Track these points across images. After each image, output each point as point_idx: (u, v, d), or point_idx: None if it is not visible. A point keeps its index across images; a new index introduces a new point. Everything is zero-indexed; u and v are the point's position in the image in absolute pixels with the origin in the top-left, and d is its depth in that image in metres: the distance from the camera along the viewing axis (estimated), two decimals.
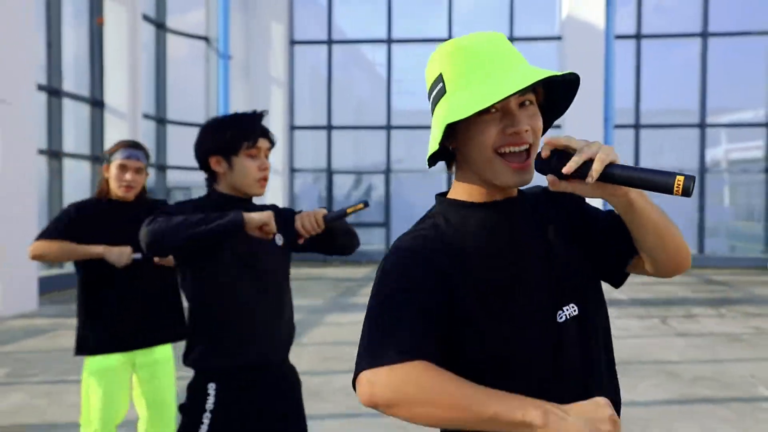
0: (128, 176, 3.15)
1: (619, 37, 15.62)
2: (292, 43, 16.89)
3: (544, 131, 1.39)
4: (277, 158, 16.19)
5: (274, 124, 16.17)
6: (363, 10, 17.28)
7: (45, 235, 3.12)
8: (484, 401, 1.09)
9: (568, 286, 1.35)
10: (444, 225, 1.36)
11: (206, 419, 2.30)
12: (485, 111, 1.28)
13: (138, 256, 3.08)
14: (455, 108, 1.27)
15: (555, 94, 1.40)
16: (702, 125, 15.90)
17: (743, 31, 15.88)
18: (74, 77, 12.31)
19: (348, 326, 7.96)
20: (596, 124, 15.16)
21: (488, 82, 1.26)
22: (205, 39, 16.31)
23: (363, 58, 18.40)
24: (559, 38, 16.13)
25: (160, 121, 15.04)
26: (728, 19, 15.81)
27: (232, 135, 2.34)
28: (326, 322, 8.28)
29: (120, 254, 3.04)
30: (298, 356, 4.13)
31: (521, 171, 1.31)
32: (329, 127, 17.02)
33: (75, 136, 12.35)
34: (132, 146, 3.21)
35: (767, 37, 15.65)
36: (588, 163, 1.21)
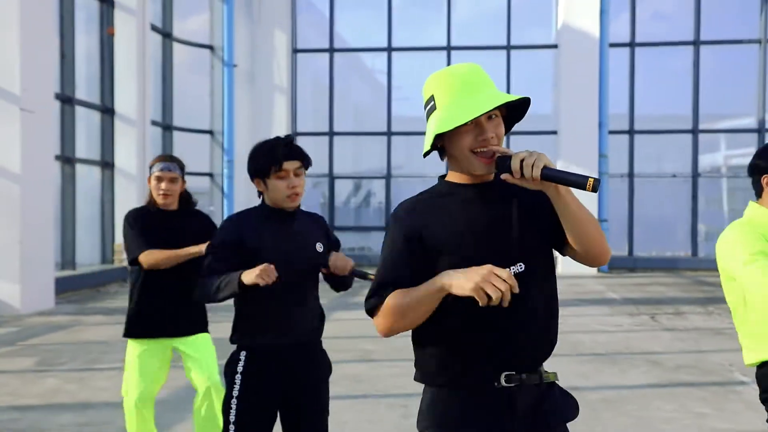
0: (164, 185, 3.61)
1: (613, 45, 16.04)
2: (295, 51, 17.34)
3: (506, 133, 1.90)
4: None
5: (278, 130, 16.57)
6: (364, 20, 17.76)
7: (142, 246, 3.56)
8: (417, 294, 1.76)
9: (518, 249, 1.85)
10: (438, 194, 1.93)
11: (238, 380, 2.77)
12: (462, 123, 1.77)
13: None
14: (442, 121, 1.79)
15: (513, 108, 1.91)
16: (695, 131, 16.33)
17: (734, 39, 16.35)
18: (86, 85, 12.74)
19: (351, 322, 8.40)
20: (591, 129, 15.59)
21: (465, 104, 1.78)
22: (210, 48, 16.74)
23: (363, 65, 18.86)
24: (555, 46, 16.56)
25: (167, 127, 15.46)
26: (719, 28, 16.28)
27: (263, 161, 2.80)
28: (332, 319, 8.65)
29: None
30: None
31: (489, 165, 1.81)
32: (331, 134, 17.44)
33: (86, 142, 12.77)
34: (166, 159, 3.70)
35: (757, 45, 16.09)
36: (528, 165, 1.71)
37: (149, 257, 3.52)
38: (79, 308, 9.84)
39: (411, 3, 17.50)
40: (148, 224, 3.63)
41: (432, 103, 1.86)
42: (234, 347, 2.87)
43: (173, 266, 3.52)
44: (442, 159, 1.94)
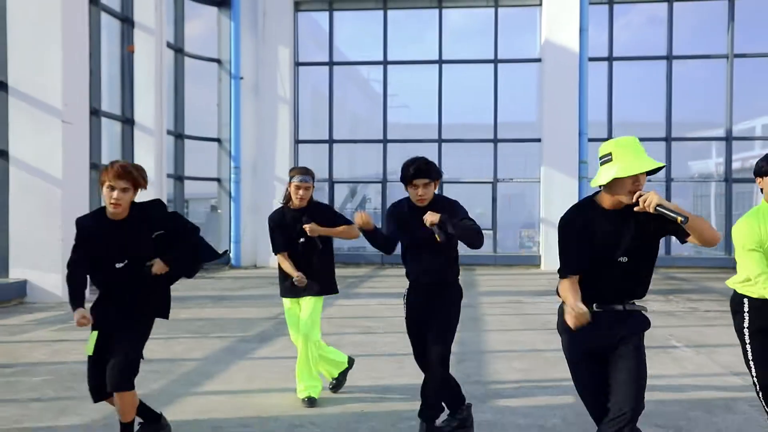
0: (301, 192, 4.96)
1: (592, 59, 17.33)
2: (297, 64, 18.56)
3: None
4: (282, 170, 17.76)
5: (281, 138, 17.82)
6: (361, 35, 19.03)
7: (277, 249, 5.19)
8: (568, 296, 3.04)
9: (627, 249, 3.12)
10: (589, 206, 3.18)
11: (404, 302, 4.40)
12: (631, 177, 2.99)
13: (303, 241, 5.08)
14: (620, 170, 2.98)
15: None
16: (668, 139, 17.64)
17: (703, 55, 17.68)
18: (108, 98, 13.95)
19: (351, 307, 9.75)
20: (572, 137, 16.83)
21: (632, 163, 2.97)
22: (218, 61, 17.97)
23: (360, 76, 20.09)
24: (539, 60, 17.81)
25: (179, 136, 16.69)
26: (690, 44, 17.61)
27: (401, 177, 4.29)
28: (335, 305, 9.90)
29: (297, 276, 5.02)
30: (321, 321, 5.78)
31: (631, 199, 3.01)
32: (330, 141, 18.67)
33: (109, 149, 13.97)
34: (303, 172, 5.06)
35: (725, 60, 17.41)
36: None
37: (281, 259, 5.14)
38: None
39: (405, 19, 18.72)
40: (283, 219, 5.11)
41: (609, 156, 3.06)
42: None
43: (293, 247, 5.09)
44: (600, 188, 3.17)
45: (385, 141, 18.50)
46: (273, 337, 7.62)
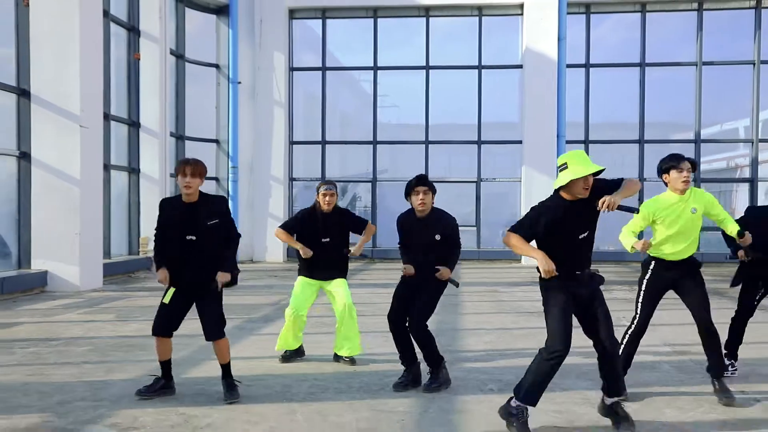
0: (327, 199, 6.16)
1: (570, 65, 18.44)
2: (291, 69, 19.58)
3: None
4: (278, 169, 18.84)
5: (276, 139, 18.84)
6: (352, 41, 20.09)
7: (284, 226, 6.21)
8: (531, 251, 4.25)
9: (586, 227, 4.32)
10: (554, 203, 4.31)
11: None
12: (578, 180, 4.19)
13: (327, 239, 6.22)
14: (574, 174, 4.16)
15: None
16: (641, 141, 18.78)
17: (674, 62, 18.83)
18: (116, 102, 14.92)
19: None
20: (551, 139, 17.93)
21: (581, 169, 4.16)
22: (217, 66, 18.96)
23: (352, 79, 21.12)
24: (520, 66, 18.89)
25: (179, 137, 17.69)
26: (662, 52, 18.75)
27: (405, 192, 5.49)
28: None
29: (303, 250, 6.13)
30: (313, 309, 6.82)
31: (585, 195, 4.23)
32: (323, 142, 19.70)
33: (116, 151, 14.95)
34: (328, 183, 6.26)
35: (694, 67, 18.56)
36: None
37: (279, 232, 6.22)
38: (121, 287, 12.09)
39: (394, 27, 19.76)
40: (311, 219, 6.24)
41: (565, 165, 4.24)
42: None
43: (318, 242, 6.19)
44: (560, 190, 4.36)
45: (375, 142, 19.53)
46: (275, 319, 8.67)
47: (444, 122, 19.68)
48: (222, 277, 4.95)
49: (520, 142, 18.55)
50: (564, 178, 4.19)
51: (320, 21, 19.58)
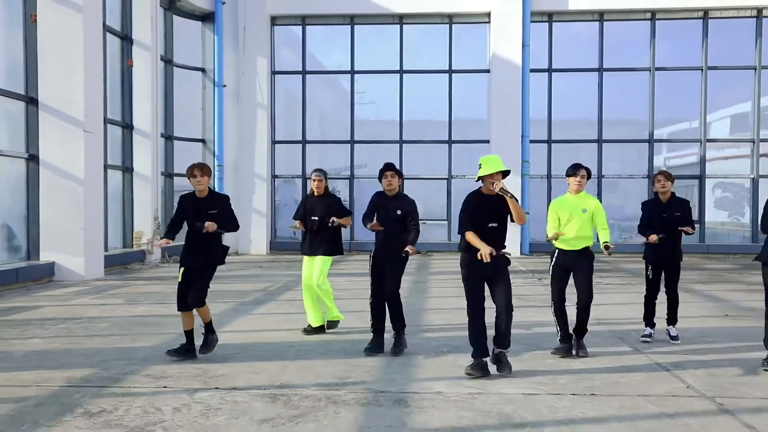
0: (316, 183, 7.45)
1: (534, 70, 19.84)
2: (273, 73, 20.79)
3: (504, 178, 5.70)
4: (261, 167, 20.07)
5: (260, 139, 20.07)
6: (331, 46, 21.35)
7: (296, 215, 7.48)
8: (479, 243, 5.59)
9: (496, 219, 5.65)
10: (477, 196, 5.75)
11: (369, 262, 6.60)
12: (488, 175, 5.56)
13: (315, 218, 7.48)
14: (483, 173, 5.61)
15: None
16: (599, 141, 20.23)
17: (630, 68, 20.30)
18: (110, 106, 16.05)
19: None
20: (515, 139, 19.33)
21: (488, 169, 5.59)
22: (203, 70, 20.12)
23: (331, 79, 22.34)
24: (488, 71, 20.24)
25: (168, 137, 18.84)
26: (618, 58, 20.21)
27: (379, 176, 6.75)
28: None
29: (298, 224, 7.52)
30: (295, 295, 8.10)
31: (493, 189, 5.57)
32: (303, 142, 20.95)
33: (111, 152, 16.09)
34: (318, 171, 7.53)
35: (648, 72, 20.05)
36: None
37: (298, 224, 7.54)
38: (120, 277, 13.29)
39: (370, 33, 21.02)
40: (308, 202, 7.53)
41: (480, 165, 5.58)
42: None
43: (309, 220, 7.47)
44: (477, 181, 5.72)
45: (352, 141, 20.82)
46: (265, 302, 9.96)
47: (417, 123, 21.02)
48: (209, 225, 6.21)
49: (488, 141, 19.88)
50: (479, 175, 5.61)
51: (300, 27, 20.80)
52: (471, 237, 5.60)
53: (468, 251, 5.68)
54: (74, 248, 12.62)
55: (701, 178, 20.14)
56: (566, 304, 6.60)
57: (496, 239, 5.69)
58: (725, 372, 5.76)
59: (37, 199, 12.69)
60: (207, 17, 19.84)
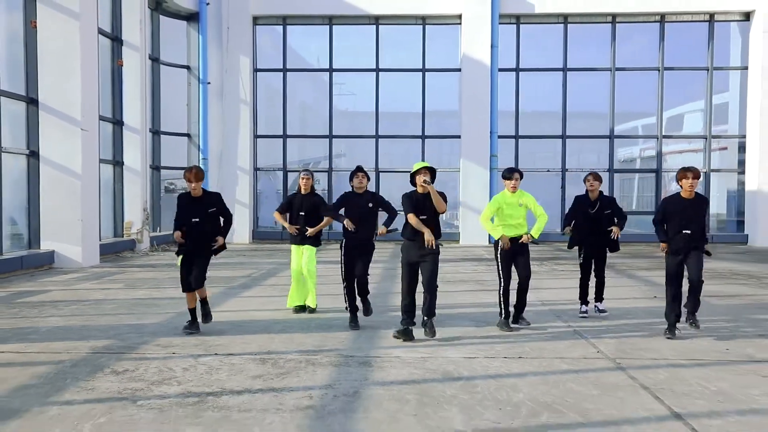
0: (304, 182, 8.57)
1: (502, 70, 21.05)
2: (256, 71, 21.82)
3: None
4: (244, 160, 21.14)
5: (243, 134, 21.13)
6: (311, 46, 22.44)
7: (279, 209, 8.61)
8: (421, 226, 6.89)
9: (429, 209, 6.91)
10: (411, 193, 7.15)
11: (341, 251, 7.74)
12: (416, 172, 6.98)
13: (303, 213, 8.57)
14: (413, 170, 6.99)
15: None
16: (563, 137, 21.52)
17: (592, 68, 21.58)
18: (102, 104, 17.00)
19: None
20: (485, 135, 20.56)
21: (415, 169, 6.99)
22: (188, 68, 21.11)
23: (312, 75, 23.42)
24: (459, 70, 21.41)
25: (156, 132, 19.85)
26: (581, 59, 21.48)
27: (350, 176, 7.92)
28: (289, 268, 13.36)
29: (290, 228, 8.57)
30: (277, 280, 9.25)
31: (425, 188, 6.86)
32: (284, 136, 22.03)
33: (103, 147, 17.06)
34: (306, 171, 8.63)
35: (609, 72, 21.35)
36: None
37: (277, 215, 8.64)
38: (115, 264, 14.36)
39: (348, 34, 22.10)
40: (295, 199, 8.62)
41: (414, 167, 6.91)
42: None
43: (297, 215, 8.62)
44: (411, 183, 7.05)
45: (331, 136, 21.94)
46: (251, 287, 11.12)
47: (396, 110, 22.26)
48: (220, 240, 7.43)
49: (458, 137, 21.09)
50: (413, 169, 6.98)
51: (281, 27, 21.83)
52: (414, 219, 6.88)
53: (409, 238, 7.01)
54: (72, 238, 13.67)
55: (658, 172, 21.52)
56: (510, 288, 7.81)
57: (432, 228, 6.96)
58: (632, 341, 7.03)
59: (38, 193, 13.70)
60: (192, 17, 20.82)
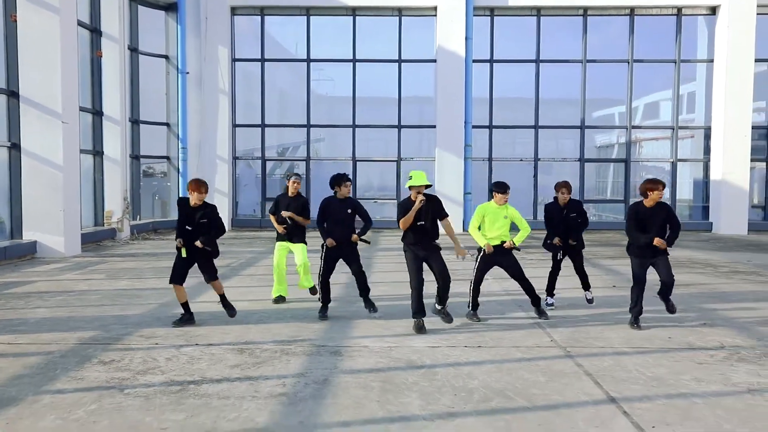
0: (293, 186, 9.01)
1: (476, 61, 21.50)
2: (234, 60, 22.10)
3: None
4: (223, 149, 21.47)
5: (221, 123, 21.44)
6: (288, 36, 22.74)
7: (271, 211, 9.14)
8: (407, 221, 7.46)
9: (425, 218, 7.39)
10: (406, 200, 7.58)
11: (321, 250, 8.22)
12: (416, 186, 7.42)
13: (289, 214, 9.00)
14: (411, 184, 7.49)
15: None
16: (536, 127, 22.05)
17: (564, 59, 22.09)
18: (82, 94, 17.24)
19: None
20: (459, 125, 21.04)
21: (415, 182, 7.44)
22: (166, 57, 21.33)
23: (291, 65, 23.72)
24: (434, 61, 21.83)
25: (135, 122, 20.11)
26: (553, 51, 21.99)
27: (334, 181, 8.31)
28: (268, 257, 13.79)
29: (279, 228, 8.97)
30: (256, 270, 9.67)
31: (420, 198, 7.34)
32: (263, 125, 22.36)
33: (83, 137, 17.32)
34: (294, 175, 9.04)
35: (580, 64, 21.88)
36: None
37: (272, 217, 9.05)
38: (96, 254, 14.71)
39: (325, 24, 22.40)
40: (282, 200, 9.06)
41: (410, 176, 7.44)
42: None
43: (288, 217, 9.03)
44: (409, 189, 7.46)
45: (309, 126, 22.31)
46: (230, 277, 11.55)
47: (373, 95, 22.68)
48: (199, 242, 7.82)
49: (434, 126, 21.56)
50: (407, 184, 7.30)
51: (259, 17, 22.10)
52: (403, 224, 7.41)
53: (410, 243, 7.52)
54: (54, 228, 13.99)
55: (627, 161, 22.14)
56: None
57: (426, 234, 7.48)
58: (585, 330, 7.58)
59: (20, 184, 13.99)
60: (170, 7, 21.02)
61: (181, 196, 8.32)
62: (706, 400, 5.19)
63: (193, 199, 7.81)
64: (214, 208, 8.05)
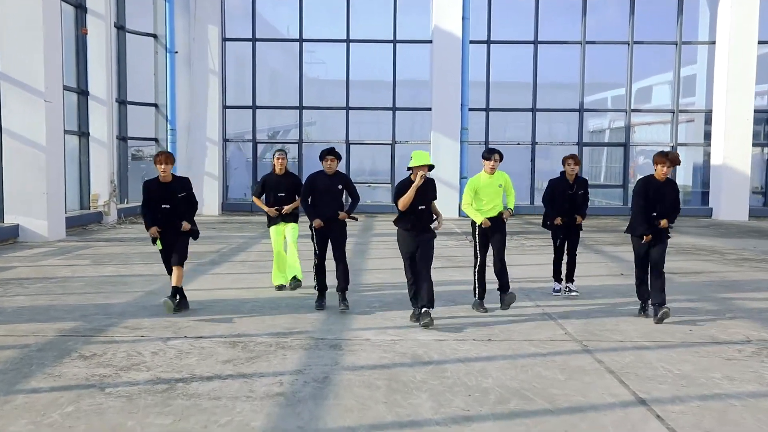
0: (279, 162, 8.45)
1: (473, 42, 20.94)
2: (224, 40, 21.46)
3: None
4: (213, 131, 20.88)
5: (211, 104, 20.83)
6: (280, 15, 22.12)
7: (256, 193, 8.53)
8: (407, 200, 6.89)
9: (425, 202, 6.92)
10: (406, 181, 7.02)
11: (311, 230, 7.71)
12: (417, 167, 6.87)
13: (282, 194, 8.55)
14: (413, 164, 6.92)
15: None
16: (533, 110, 21.57)
17: (562, 41, 21.59)
18: (66, 73, 16.61)
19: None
20: (455, 107, 20.51)
21: (417, 162, 6.90)
22: (154, 36, 20.68)
23: (283, 45, 23.11)
24: (430, 42, 21.27)
25: (122, 102, 19.49)
26: (552, 32, 21.47)
27: (320, 156, 7.75)
28: (259, 243, 13.33)
29: (269, 211, 8.48)
30: (247, 256, 9.20)
31: (421, 174, 6.83)
32: (254, 107, 21.78)
33: (68, 117, 16.70)
34: (280, 150, 8.51)
35: (579, 45, 21.38)
36: None
37: (256, 200, 8.55)
38: (81, 238, 14.17)
39: (318, 4, 21.80)
40: (270, 180, 8.55)
41: (411, 158, 6.88)
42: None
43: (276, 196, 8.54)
44: (408, 170, 6.96)
45: (301, 108, 21.75)
46: (220, 263, 11.06)
47: (367, 78, 22.12)
48: (185, 225, 7.40)
49: (429, 109, 21.04)
50: (409, 165, 6.82)
51: None
52: (401, 204, 6.89)
53: (405, 228, 7.02)
54: (37, 211, 13.44)
55: (626, 145, 21.72)
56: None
57: (423, 218, 6.98)
58: (599, 321, 7.14)
59: (1, 165, 13.41)
60: None
61: (146, 180, 7.73)
62: (743, 402, 4.76)
63: (164, 173, 7.34)
64: (188, 180, 7.66)
